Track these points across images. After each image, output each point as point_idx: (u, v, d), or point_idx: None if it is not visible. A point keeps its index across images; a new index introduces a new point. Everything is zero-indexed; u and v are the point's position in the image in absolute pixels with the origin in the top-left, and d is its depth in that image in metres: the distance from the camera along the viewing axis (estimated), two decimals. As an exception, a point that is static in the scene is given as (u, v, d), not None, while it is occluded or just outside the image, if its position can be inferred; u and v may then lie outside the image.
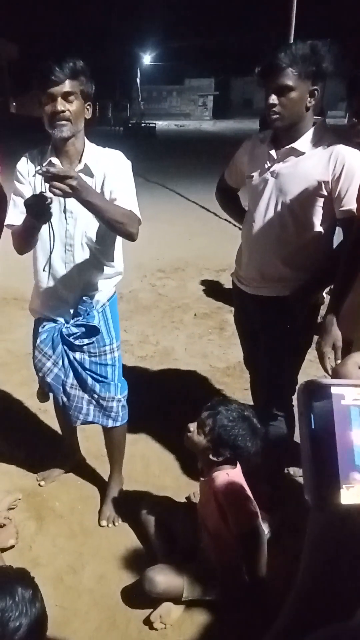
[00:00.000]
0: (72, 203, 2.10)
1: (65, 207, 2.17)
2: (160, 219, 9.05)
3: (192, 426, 2.09)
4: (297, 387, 0.60)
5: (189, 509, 2.42)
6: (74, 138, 2.11)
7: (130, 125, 32.94)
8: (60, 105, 1.99)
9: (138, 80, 54.74)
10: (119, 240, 2.31)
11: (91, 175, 2.14)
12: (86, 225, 2.19)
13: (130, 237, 2.13)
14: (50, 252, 2.21)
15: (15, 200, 2.20)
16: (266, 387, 2.50)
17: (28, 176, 2.21)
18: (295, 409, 0.63)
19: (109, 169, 2.15)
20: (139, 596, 2.11)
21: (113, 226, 2.06)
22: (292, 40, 2.39)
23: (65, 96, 2.00)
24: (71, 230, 2.20)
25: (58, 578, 2.28)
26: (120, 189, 2.12)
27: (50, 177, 1.69)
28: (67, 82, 1.99)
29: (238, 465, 2.11)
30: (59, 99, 1.99)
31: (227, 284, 2.65)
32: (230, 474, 2.06)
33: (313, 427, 0.56)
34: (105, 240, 2.25)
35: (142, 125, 32.08)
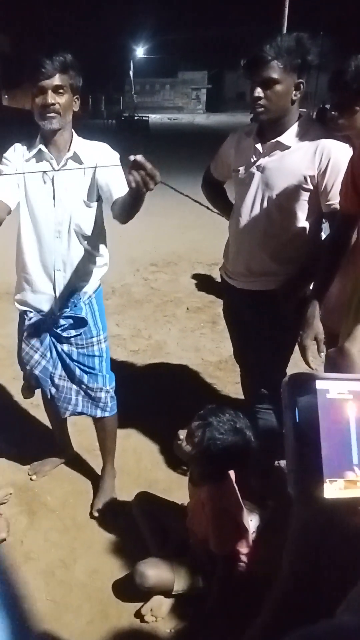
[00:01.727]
0: (60, 190, 2.16)
1: (54, 193, 2.18)
2: (153, 213, 9.00)
3: (182, 434, 2.02)
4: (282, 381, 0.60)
5: (180, 505, 2.42)
6: (62, 130, 2.14)
7: (123, 118, 32.75)
8: (51, 98, 2.04)
9: (131, 73, 54.46)
10: (105, 230, 2.33)
11: (80, 162, 2.18)
12: (74, 212, 2.20)
13: (126, 221, 2.10)
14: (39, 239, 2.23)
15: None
16: (255, 380, 2.51)
17: (14, 161, 2.22)
18: None
19: (101, 160, 2.18)
20: (130, 590, 2.11)
21: (130, 215, 2.04)
22: (284, 33, 2.37)
23: (56, 89, 2.04)
24: (59, 217, 2.21)
25: (50, 572, 2.29)
26: (120, 181, 2.10)
27: (139, 166, 1.62)
28: (57, 75, 2.03)
29: (230, 474, 2.08)
30: (49, 91, 2.03)
31: (220, 277, 2.65)
32: (220, 488, 2.03)
33: (297, 420, 0.56)
34: (93, 229, 2.26)
35: (135, 118, 31.93)
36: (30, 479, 2.80)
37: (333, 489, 0.54)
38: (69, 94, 2.09)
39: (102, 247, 2.35)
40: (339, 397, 0.58)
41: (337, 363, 0.73)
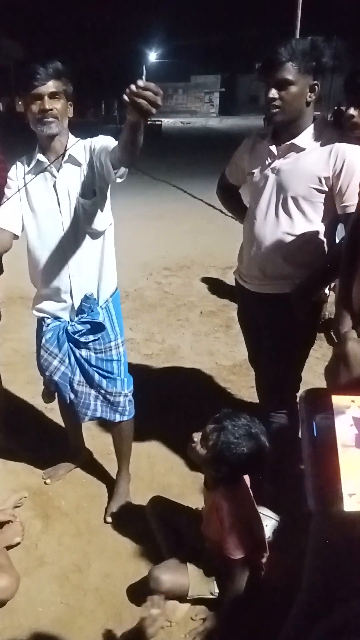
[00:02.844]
0: (63, 194, 2.19)
1: (58, 199, 2.19)
2: (166, 217, 9.05)
3: (197, 437, 2.01)
4: (299, 394, 0.60)
5: (194, 509, 2.41)
6: (60, 135, 2.16)
7: (136, 123, 32.72)
8: (48, 104, 2.07)
9: (144, 77, 54.30)
10: (112, 231, 2.34)
11: (78, 164, 2.20)
12: (81, 212, 2.20)
13: (131, 162, 2.01)
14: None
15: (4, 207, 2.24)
16: (270, 384, 2.49)
17: (16, 179, 2.25)
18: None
19: (90, 142, 2.19)
20: (144, 594, 2.11)
21: (132, 151, 1.92)
22: (297, 37, 2.38)
23: (52, 96, 2.08)
24: (68, 221, 2.21)
25: (64, 576, 2.29)
26: (113, 141, 2.08)
27: (142, 88, 1.56)
28: (52, 82, 2.07)
29: (245, 479, 2.06)
30: (46, 97, 2.07)
31: (233, 281, 2.64)
32: (234, 492, 2.01)
33: (315, 434, 0.56)
34: (103, 223, 2.26)
35: (148, 122, 32.02)
36: (45, 482, 2.81)
37: (352, 503, 0.54)
38: (64, 100, 2.13)
39: (113, 246, 2.36)
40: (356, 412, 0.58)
41: (345, 362, 0.73)
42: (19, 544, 2.36)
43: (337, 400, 0.58)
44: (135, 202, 9.94)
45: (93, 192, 2.19)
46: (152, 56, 62.08)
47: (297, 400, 0.59)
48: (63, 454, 2.93)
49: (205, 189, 10.85)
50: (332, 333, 2.07)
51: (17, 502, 2.61)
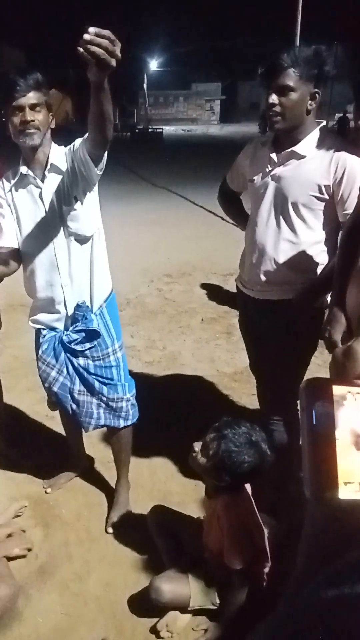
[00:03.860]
0: (49, 203, 2.17)
1: (45, 209, 2.19)
2: (167, 224, 9.07)
3: (197, 446, 2.00)
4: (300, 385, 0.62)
5: (195, 518, 2.40)
6: (42, 146, 2.16)
7: (137, 130, 33.13)
8: (29, 115, 2.06)
9: (145, 86, 54.89)
10: (102, 233, 2.32)
11: (60, 172, 2.18)
12: (67, 219, 2.19)
13: (105, 140, 1.97)
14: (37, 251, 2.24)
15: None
16: (271, 391, 2.48)
17: (4, 195, 2.25)
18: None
19: (70, 146, 2.19)
20: (145, 604, 2.09)
21: (105, 118, 1.84)
22: (297, 43, 2.39)
23: (33, 107, 2.07)
24: (55, 229, 2.21)
25: (64, 585, 2.27)
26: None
27: (97, 35, 1.46)
28: (32, 93, 2.06)
29: (246, 487, 2.04)
30: (27, 109, 2.06)
31: (234, 288, 2.64)
32: (235, 501, 2.00)
33: (314, 422, 0.58)
34: (90, 227, 2.24)
35: (149, 130, 32.27)
36: (45, 491, 2.79)
37: (348, 491, 0.55)
38: (45, 111, 2.11)
39: (103, 250, 2.34)
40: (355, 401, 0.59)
41: (343, 363, 0.73)
42: (20, 557, 2.35)
43: (338, 389, 0.59)
44: (136, 208, 9.97)
45: (75, 198, 2.17)
46: (153, 64, 62.39)
47: (298, 402, 0.61)
48: (63, 462, 2.92)
49: (206, 196, 10.88)
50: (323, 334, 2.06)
51: (18, 511, 2.61)
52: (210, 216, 9.25)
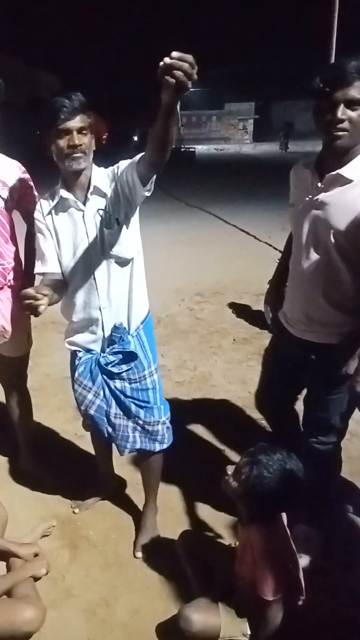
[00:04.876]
0: (91, 225, 2.16)
1: (87, 231, 2.17)
2: (199, 243, 9.06)
3: (230, 470, 1.94)
4: None
5: (226, 545, 2.33)
6: (86, 169, 2.14)
7: (170, 150, 33.29)
8: (77, 139, 2.04)
9: (178, 106, 55.38)
10: (141, 257, 2.30)
11: (102, 195, 2.16)
12: (108, 241, 2.16)
13: (162, 163, 1.94)
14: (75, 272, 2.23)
15: (41, 250, 2.25)
16: (311, 424, 2.34)
17: (43, 219, 2.24)
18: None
19: (114, 168, 2.16)
20: (173, 633, 2.03)
21: (169, 140, 1.87)
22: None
23: (80, 130, 2.05)
24: (98, 251, 2.18)
25: (91, 610, 2.23)
26: (134, 157, 2.06)
27: (178, 59, 1.50)
28: (79, 117, 2.04)
29: (282, 516, 1.95)
30: (74, 132, 2.04)
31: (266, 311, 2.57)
32: (269, 530, 1.91)
33: None
34: (131, 249, 2.22)
35: (182, 150, 32.48)
36: (73, 512, 2.77)
37: None
38: (90, 135, 2.10)
39: (142, 272, 2.31)
40: None
41: None
42: (46, 573, 2.32)
43: None
44: (168, 228, 10.00)
45: (117, 221, 2.14)
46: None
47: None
48: (92, 482, 2.89)
49: (238, 214, 10.88)
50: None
51: (46, 530, 2.59)
52: (243, 235, 9.23)
